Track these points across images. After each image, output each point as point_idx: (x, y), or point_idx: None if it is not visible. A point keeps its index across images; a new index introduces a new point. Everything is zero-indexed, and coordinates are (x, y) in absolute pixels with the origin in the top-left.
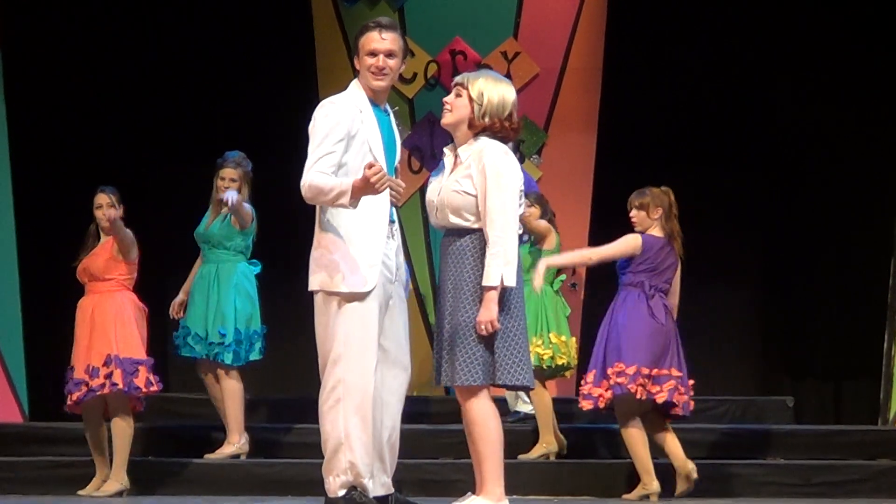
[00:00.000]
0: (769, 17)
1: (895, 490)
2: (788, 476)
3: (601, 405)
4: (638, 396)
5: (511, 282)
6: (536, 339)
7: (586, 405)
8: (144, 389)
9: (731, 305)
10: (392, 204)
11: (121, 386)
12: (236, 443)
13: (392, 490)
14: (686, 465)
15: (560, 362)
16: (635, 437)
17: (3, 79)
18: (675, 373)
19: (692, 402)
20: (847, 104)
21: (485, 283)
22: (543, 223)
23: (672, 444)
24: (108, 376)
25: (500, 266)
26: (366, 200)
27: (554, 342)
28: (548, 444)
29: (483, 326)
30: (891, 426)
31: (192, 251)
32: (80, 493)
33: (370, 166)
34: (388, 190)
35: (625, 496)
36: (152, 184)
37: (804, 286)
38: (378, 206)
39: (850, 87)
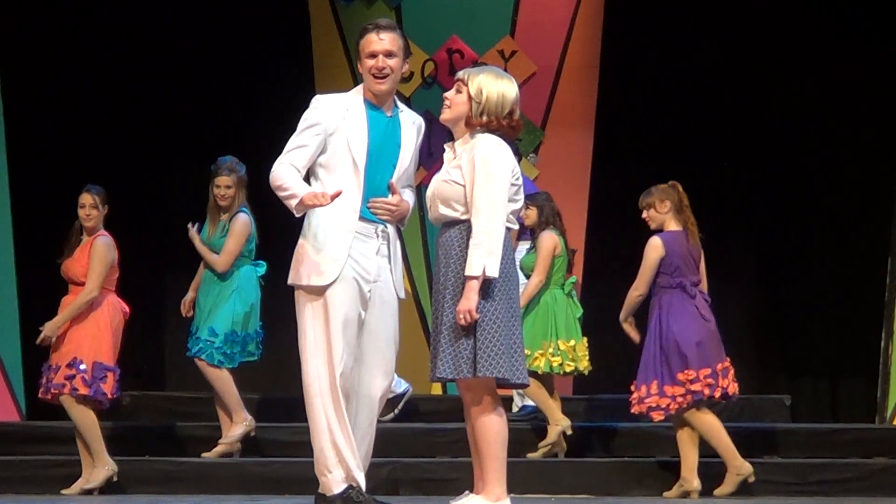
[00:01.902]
0: (766, 15)
1: (892, 488)
2: (785, 474)
3: (672, 412)
4: (716, 397)
5: (493, 272)
6: (547, 346)
7: (657, 416)
8: (110, 396)
9: (729, 303)
10: (384, 220)
11: (82, 392)
12: (243, 421)
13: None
14: (693, 483)
15: (569, 369)
16: (711, 425)
17: (1, 74)
18: (729, 361)
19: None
20: (845, 102)
21: (466, 272)
22: (546, 243)
23: (691, 456)
24: (70, 378)
25: (483, 256)
26: (337, 201)
27: (563, 349)
28: (560, 422)
29: (462, 316)
30: (888, 424)
31: (189, 250)
32: (63, 491)
33: (333, 196)
34: (358, 189)
35: (666, 494)
36: (149, 183)
37: (801, 284)
38: (346, 203)
39: (848, 86)
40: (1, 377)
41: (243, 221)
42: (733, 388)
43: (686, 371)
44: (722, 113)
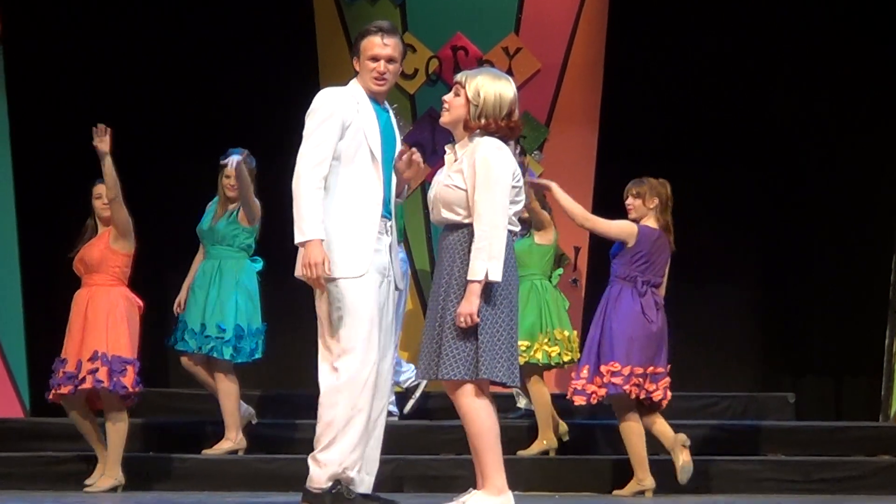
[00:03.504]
0: (770, 13)
1: (895, 486)
2: (789, 472)
3: (593, 402)
4: (633, 396)
5: (496, 276)
6: (542, 337)
7: (579, 400)
8: (131, 389)
9: (733, 302)
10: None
11: (105, 384)
12: (233, 439)
13: (370, 490)
14: (677, 438)
15: (567, 358)
16: (633, 431)
17: (5, 73)
18: (666, 369)
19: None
20: (847, 101)
21: (469, 276)
22: (546, 214)
23: (660, 425)
24: (93, 372)
25: (485, 260)
26: (359, 191)
27: (559, 339)
28: (548, 440)
29: (463, 319)
30: (891, 423)
31: (192, 246)
32: (86, 482)
33: (311, 275)
34: (379, 181)
35: (616, 492)
36: (152, 178)
37: (805, 282)
38: (372, 198)
39: (850, 84)
40: (5, 374)
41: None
42: (660, 395)
43: (611, 363)
44: (726, 111)
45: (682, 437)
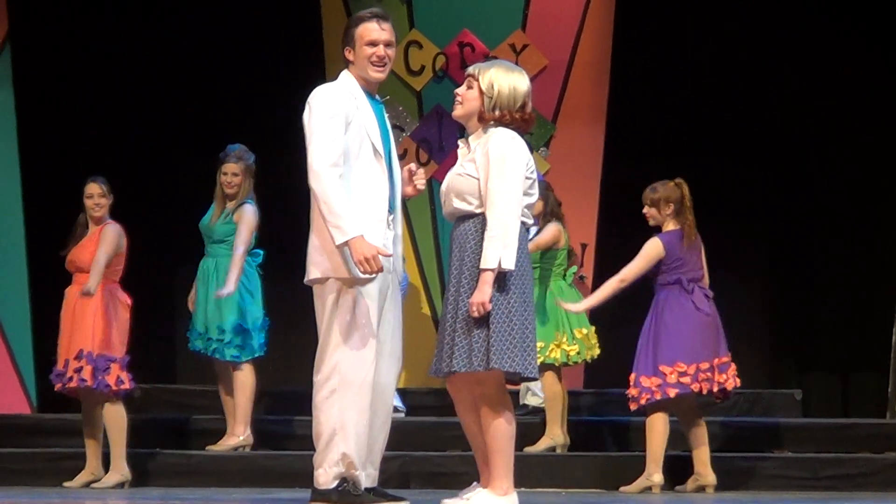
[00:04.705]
0: (773, 12)
1: None
2: (797, 469)
3: (643, 402)
4: (703, 392)
5: (509, 265)
6: (560, 336)
7: (632, 406)
8: (114, 387)
9: (739, 298)
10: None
11: (90, 383)
12: (241, 435)
13: (376, 483)
14: (708, 478)
15: (588, 356)
16: (658, 428)
17: (13, 72)
18: (730, 357)
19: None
20: (856, 94)
21: (481, 265)
22: (548, 233)
23: (703, 451)
24: (78, 371)
25: (498, 249)
26: (366, 188)
27: (578, 337)
28: (554, 436)
29: (475, 308)
30: None
31: (195, 243)
32: (65, 484)
33: (371, 269)
34: (387, 180)
35: (623, 488)
36: (156, 175)
37: (812, 279)
38: (378, 194)
39: (859, 77)
40: (12, 370)
41: (251, 212)
42: (732, 384)
43: (677, 364)
44: (733, 108)
45: (712, 481)
